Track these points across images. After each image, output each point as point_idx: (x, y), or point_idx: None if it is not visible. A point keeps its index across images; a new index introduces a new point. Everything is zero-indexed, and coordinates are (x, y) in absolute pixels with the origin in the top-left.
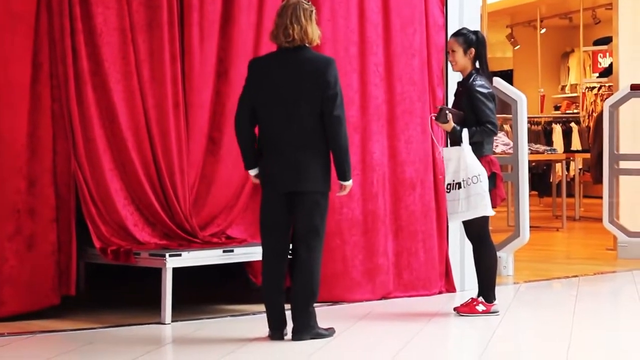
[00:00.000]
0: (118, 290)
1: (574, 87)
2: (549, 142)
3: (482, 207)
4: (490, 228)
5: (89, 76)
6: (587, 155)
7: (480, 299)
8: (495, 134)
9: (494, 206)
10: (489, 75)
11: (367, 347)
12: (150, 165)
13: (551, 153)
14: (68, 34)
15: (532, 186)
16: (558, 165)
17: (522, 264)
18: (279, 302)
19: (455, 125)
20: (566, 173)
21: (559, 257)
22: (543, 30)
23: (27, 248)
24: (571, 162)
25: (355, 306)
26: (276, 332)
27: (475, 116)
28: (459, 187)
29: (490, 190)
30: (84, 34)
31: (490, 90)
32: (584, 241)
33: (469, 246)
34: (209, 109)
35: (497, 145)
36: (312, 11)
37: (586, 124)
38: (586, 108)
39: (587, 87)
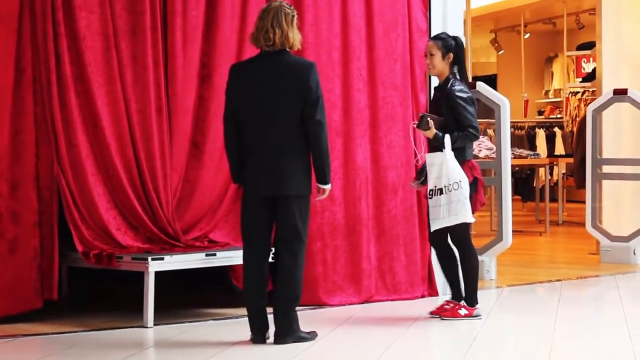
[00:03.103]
0: (100, 294)
1: (557, 91)
2: (532, 146)
3: (463, 213)
4: (472, 232)
5: (72, 81)
6: (571, 160)
7: (463, 302)
8: (477, 138)
9: (474, 211)
10: (467, 82)
11: (349, 351)
12: (133, 170)
13: (534, 158)
14: (51, 39)
15: (516, 191)
16: (541, 170)
17: (505, 268)
18: (261, 306)
19: (437, 131)
20: (549, 177)
21: (542, 262)
22: (527, 35)
23: (9, 252)
24: (554, 167)
25: (338, 310)
26: (258, 336)
27: (456, 121)
28: (441, 193)
29: (471, 196)
30: (67, 38)
31: (470, 95)
32: (567, 245)
33: None
34: (192, 114)
35: (480, 150)
36: (293, 16)
37: (570, 129)
38: (570, 113)
39: (570, 92)
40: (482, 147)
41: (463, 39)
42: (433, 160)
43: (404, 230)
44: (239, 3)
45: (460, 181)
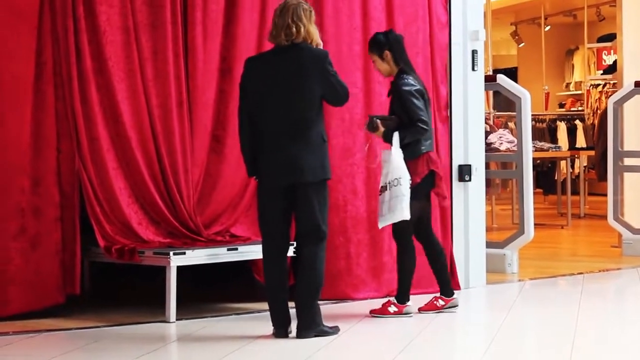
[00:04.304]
0: (123, 289)
1: (578, 84)
2: (553, 139)
3: (399, 210)
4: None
5: (93, 75)
6: (592, 153)
7: (393, 299)
8: (427, 131)
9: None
10: (413, 70)
11: (371, 345)
12: (154, 164)
13: (556, 150)
14: (72, 33)
15: (537, 184)
16: (563, 163)
17: (526, 261)
18: (282, 300)
19: (384, 130)
20: (571, 170)
21: (564, 255)
22: (547, 28)
23: (31, 247)
24: (576, 160)
25: (359, 304)
26: (280, 330)
27: (406, 116)
28: (385, 190)
29: (429, 189)
30: (88, 32)
31: (418, 87)
32: (588, 238)
33: (473, 244)
34: (212, 108)
35: (501, 143)
36: (311, 11)
37: (591, 122)
38: (591, 105)
39: (591, 85)
40: (503, 140)
41: (483, 32)
42: (385, 158)
43: None
44: None
45: (400, 177)
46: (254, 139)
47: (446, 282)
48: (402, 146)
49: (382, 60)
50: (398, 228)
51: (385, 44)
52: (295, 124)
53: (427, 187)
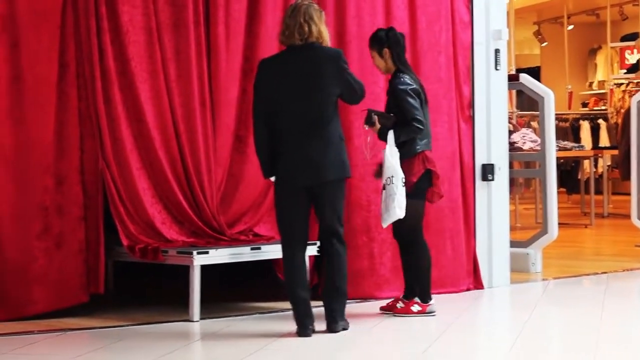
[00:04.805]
0: (146, 288)
1: (601, 83)
2: (576, 138)
3: (393, 209)
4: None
5: (116, 75)
6: (616, 152)
7: (417, 299)
8: (422, 130)
9: (431, 202)
10: (410, 70)
11: (394, 344)
12: (177, 164)
13: (579, 150)
14: (94, 34)
15: (560, 183)
16: (586, 162)
17: (550, 260)
18: (305, 298)
19: (380, 127)
20: (594, 170)
21: (588, 254)
22: (570, 27)
23: (55, 246)
24: (599, 159)
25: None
26: (303, 328)
27: (403, 115)
28: (383, 189)
29: (426, 188)
30: (110, 33)
31: (413, 87)
32: (612, 238)
33: (497, 243)
34: (235, 107)
35: (525, 142)
36: (321, 12)
37: (614, 121)
38: (614, 104)
39: (614, 84)
40: (526, 139)
41: (506, 31)
42: (384, 156)
43: (449, 223)
44: None
45: (392, 177)
46: (271, 139)
47: (426, 287)
48: (398, 145)
49: (380, 57)
50: (404, 227)
51: (386, 41)
52: (313, 123)
53: (425, 187)
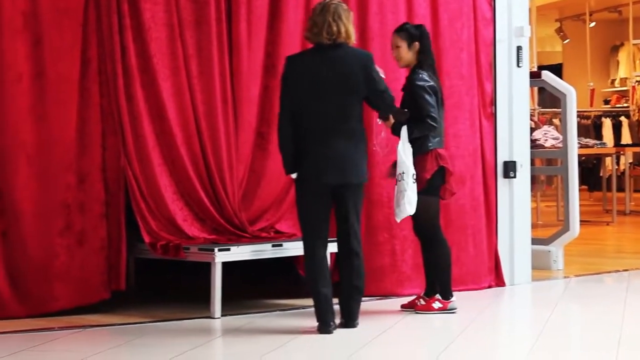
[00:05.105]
0: (167, 285)
1: (623, 80)
2: (598, 136)
3: (402, 205)
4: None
5: (138, 72)
6: (638, 149)
7: (438, 296)
8: (435, 128)
9: (443, 199)
10: (434, 68)
11: (416, 341)
12: (199, 161)
13: (601, 147)
14: (116, 31)
15: (582, 180)
16: (608, 159)
17: (572, 258)
18: (326, 295)
19: (394, 122)
20: (616, 167)
21: (610, 251)
22: (592, 24)
23: (77, 243)
24: (621, 156)
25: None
26: (325, 325)
27: (417, 111)
28: (396, 184)
29: (439, 185)
30: (132, 30)
31: (432, 84)
32: (634, 235)
33: (518, 240)
34: (257, 104)
35: (546, 139)
36: (350, 12)
37: (636, 118)
38: (636, 101)
39: (637, 81)
40: (548, 136)
41: (528, 28)
42: (397, 152)
43: (471, 220)
44: None
45: (402, 173)
46: (295, 136)
47: (447, 284)
48: (411, 141)
49: (408, 49)
50: (420, 224)
51: (418, 36)
52: (341, 121)
53: (438, 184)
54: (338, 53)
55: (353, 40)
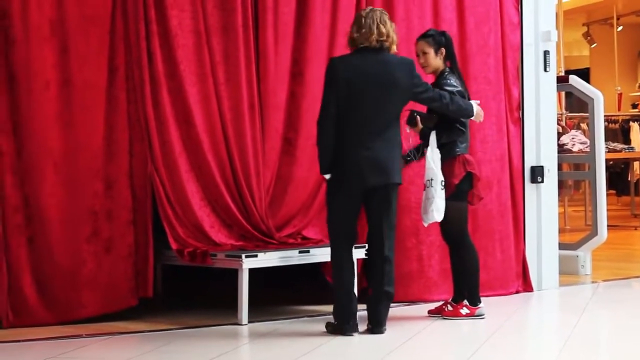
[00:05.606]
0: (194, 292)
1: None
2: (626, 140)
3: (430, 212)
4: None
5: (165, 79)
6: None
7: (465, 302)
8: (464, 132)
9: (471, 204)
10: (460, 74)
11: (443, 347)
12: (226, 167)
13: (629, 151)
14: (143, 37)
15: (610, 185)
16: (636, 164)
17: (600, 263)
18: (350, 296)
19: (422, 128)
20: None
21: (638, 256)
22: (620, 28)
23: (105, 250)
24: None
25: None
26: (347, 324)
27: (445, 116)
28: (424, 190)
29: (467, 190)
30: (159, 36)
31: (460, 89)
32: None
33: (546, 245)
34: (284, 110)
35: (574, 144)
36: (391, 21)
37: None
38: None
39: None
40: (575, 141)
41: (555, 33)
42: (425, 158)
43: (499, 225)
44: None
45: (431, 179)
46: (336, 136)
47: (474, 289)
48: (439, 146)
49: (435, 55)
50: (449, 230)
51: (444, 43)
52: (382, 124)
53: (466, 189)
54: (384, 57)
55: (395, 47)
